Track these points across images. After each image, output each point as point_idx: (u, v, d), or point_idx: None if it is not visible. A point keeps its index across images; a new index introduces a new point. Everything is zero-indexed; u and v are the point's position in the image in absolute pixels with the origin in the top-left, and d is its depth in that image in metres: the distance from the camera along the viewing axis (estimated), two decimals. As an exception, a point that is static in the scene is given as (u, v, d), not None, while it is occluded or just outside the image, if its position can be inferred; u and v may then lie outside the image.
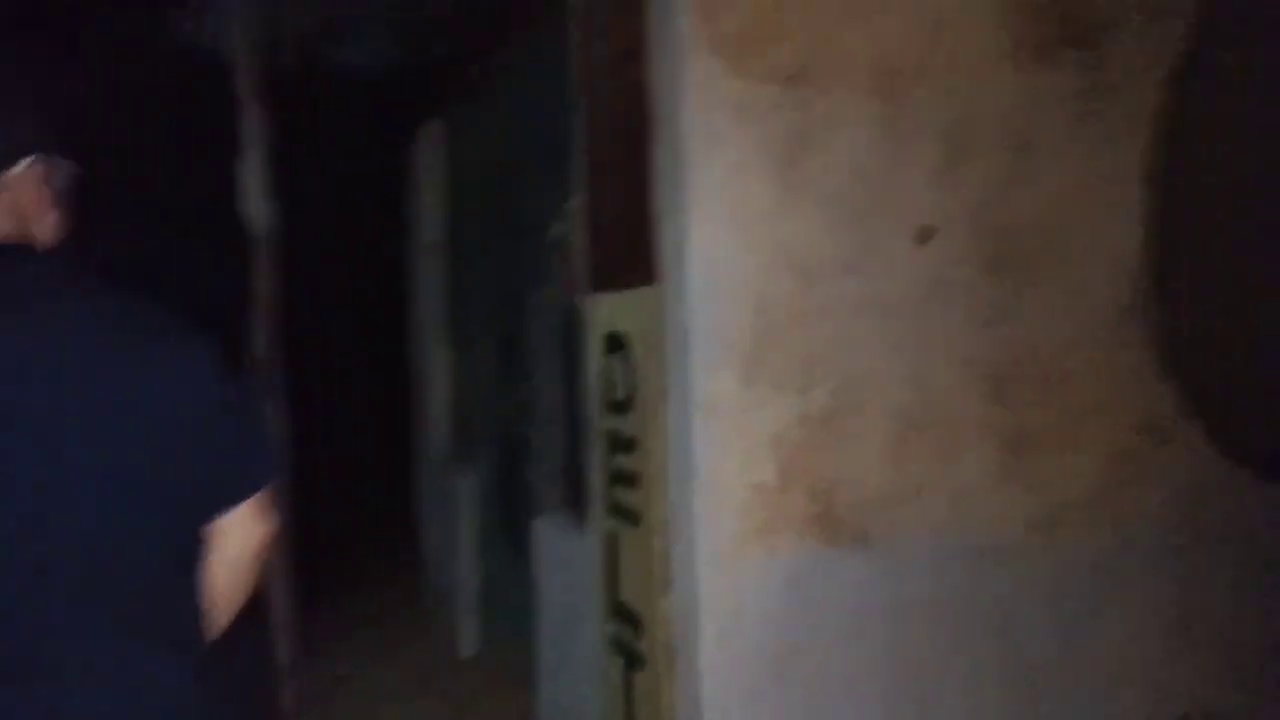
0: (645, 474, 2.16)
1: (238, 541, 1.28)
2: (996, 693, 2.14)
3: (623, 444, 2.26)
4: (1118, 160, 2.21)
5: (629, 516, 2.24)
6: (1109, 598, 2.22)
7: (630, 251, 2.25)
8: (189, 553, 1.23)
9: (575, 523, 2.82)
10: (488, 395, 3.96)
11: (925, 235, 2.09)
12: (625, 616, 2.29)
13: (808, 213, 2.02)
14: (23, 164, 1.18)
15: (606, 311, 2.37)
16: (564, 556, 2.87)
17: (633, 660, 2.25)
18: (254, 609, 1.45)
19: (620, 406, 2.28)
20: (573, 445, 3.02)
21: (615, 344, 2.31)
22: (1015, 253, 2.21)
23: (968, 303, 2.19)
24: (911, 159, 2.07)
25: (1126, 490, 2.23)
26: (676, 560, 2.05)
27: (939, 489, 2.17)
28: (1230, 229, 2.48)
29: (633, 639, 2.24)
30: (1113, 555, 2.22)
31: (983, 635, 2.14)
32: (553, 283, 3.15)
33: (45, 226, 1.23)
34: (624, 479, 2.26)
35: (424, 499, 4.96)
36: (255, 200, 2.86)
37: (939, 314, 2.18)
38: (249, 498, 1.27)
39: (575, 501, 2.88)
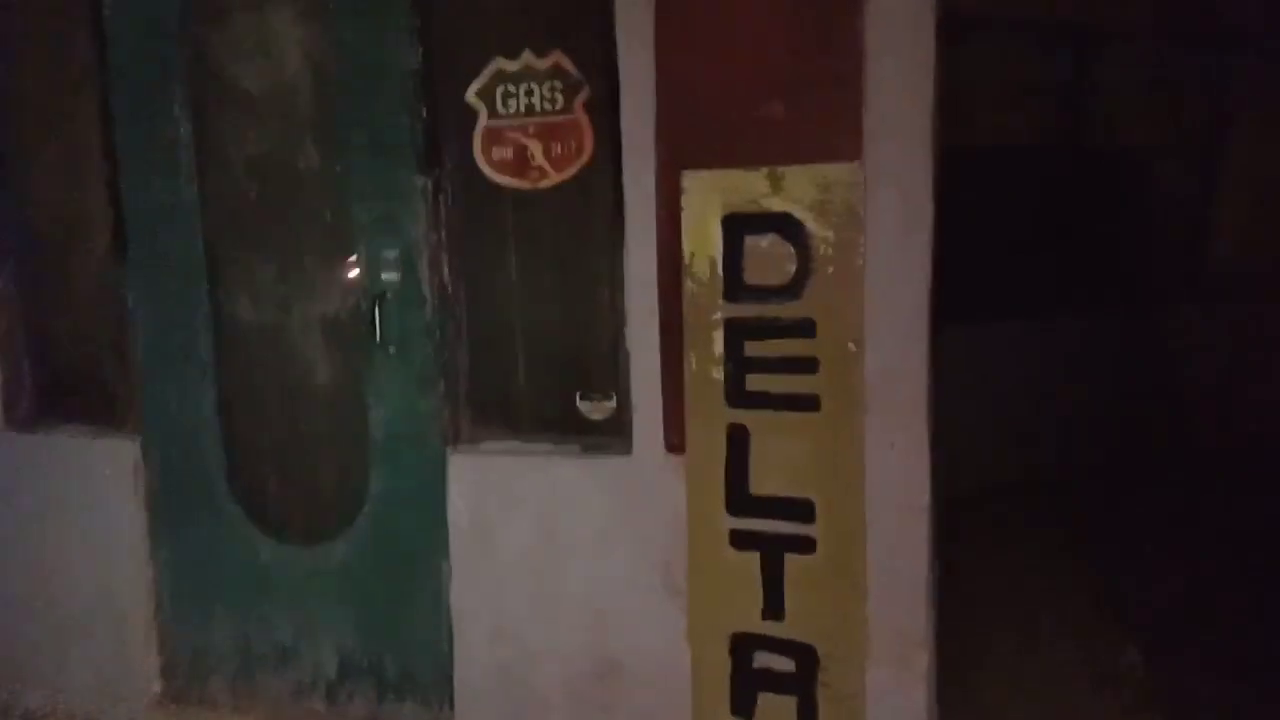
0: (829, 356, 2.14)
1: None
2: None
3: (781, 329, 2.16)
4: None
5: (794, 402, 2.17)
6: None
7: (777, 126, 2.14)
8: None
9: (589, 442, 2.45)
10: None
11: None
12: (770, 508, 2.21)
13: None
14: None
15: (730, 190, 2.17)
16: (540, 490, 2.44)
17: (786, 547, 2.21)
18: None
19: (769, 292, 2.16)
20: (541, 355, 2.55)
21: (752, 224, 2.16)
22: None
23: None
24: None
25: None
26: (890, 441, 2.13)
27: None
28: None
29: (791, 526, 2.20)
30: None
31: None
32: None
33: None
34: (782, 365, 2.17)
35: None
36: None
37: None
38: None
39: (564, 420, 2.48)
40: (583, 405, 2.48)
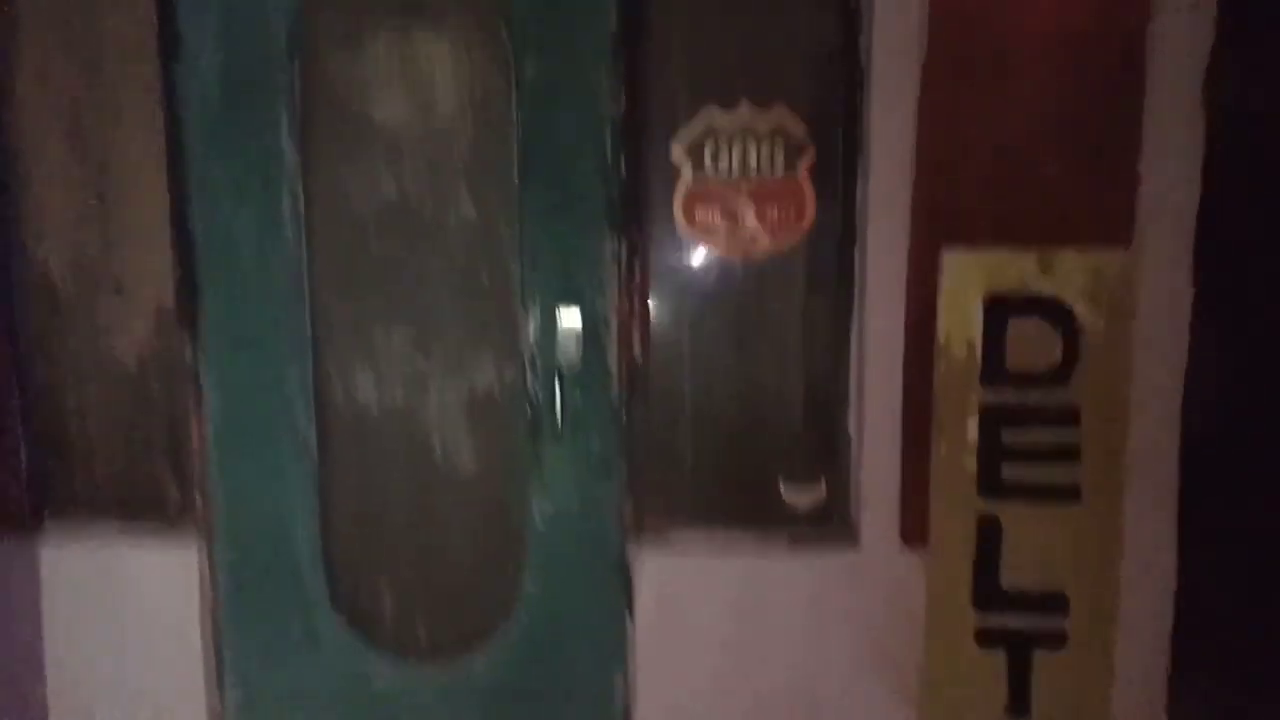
0: (1093, 446, 2.09)
1: None
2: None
3: (1043, 416, 2.08)
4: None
5: (1053, 493, 2.09)
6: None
7: (1050, 208, 2.08)
8: None
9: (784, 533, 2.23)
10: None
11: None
12: (1021, 604, 2.13)
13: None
14: None
15: (994, 271, 2.07)
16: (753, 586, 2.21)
17: (1036, 643, 2.13)
18: None
19: (1031, 378, 2.08)
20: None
21: (1017, 307, 2.08)
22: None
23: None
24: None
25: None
26: (1140, 529, 2.11)
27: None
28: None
29: (1043, 621, 2.12)
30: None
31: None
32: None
33: None
34: (1041, 454, 2.09)
35: None
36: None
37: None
38: None
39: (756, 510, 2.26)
40: (787, 491, 2.28)
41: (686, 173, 2.19)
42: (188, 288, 2.23)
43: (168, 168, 2.22)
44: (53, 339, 2.34)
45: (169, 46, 2.17)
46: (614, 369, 2.20)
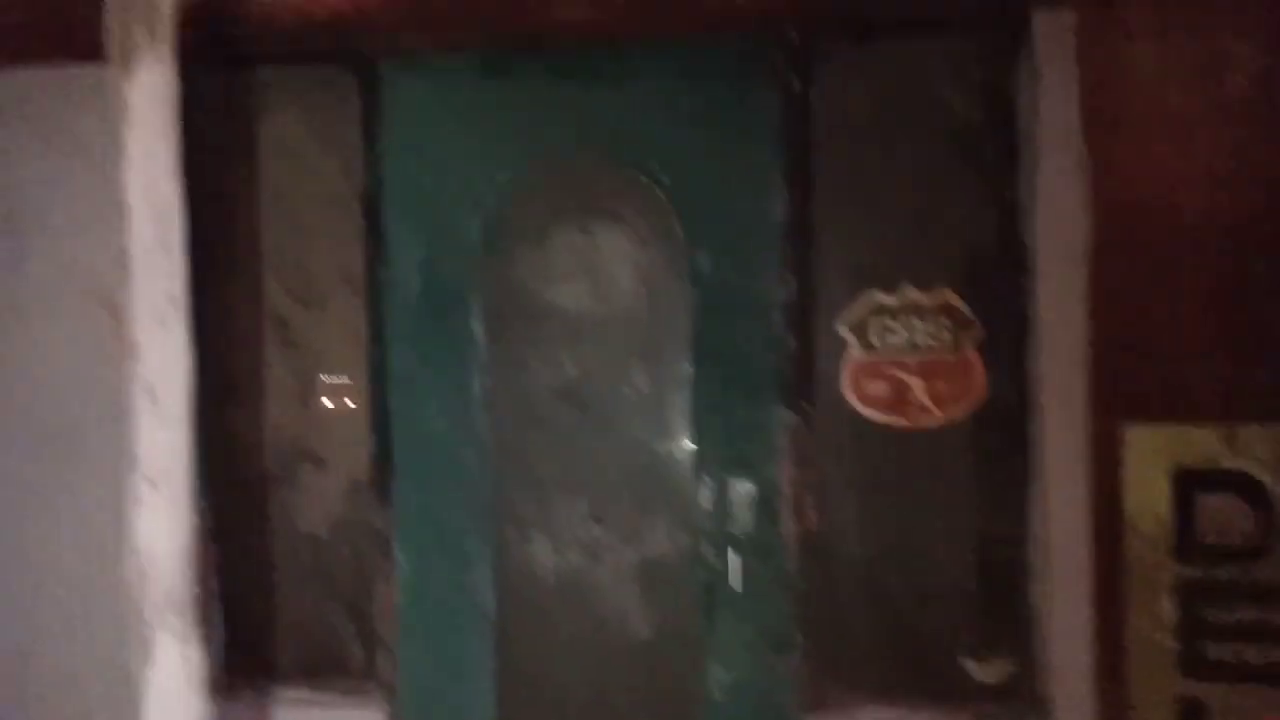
0: (1300, 624, 2.01)
1: None
2: None
3: (1241, 593, 2.02)
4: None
5: (1259, 675, 2.01)
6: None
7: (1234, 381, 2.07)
8: None
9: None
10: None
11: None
12: (1234, 792, 2.01)
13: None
14: None
15: (1179, 447, 2.06)
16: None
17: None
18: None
19: (1227, 553, 2.04)
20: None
21: (1205, 482, 2.05)
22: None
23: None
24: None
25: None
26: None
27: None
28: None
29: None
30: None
31: None
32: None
33: None
34: (1243, 633, 2.02)
35: None
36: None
37: None
38: None
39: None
40: (971, 666, 2.24)
41: (853, 348, 2.27)
42: (382, 461, 2.40)
43: (368, 351, 2.43)
44: (255, 509, 2.52)
45: (374, 246, 2.41)
46: (787, 538, 2.25)
